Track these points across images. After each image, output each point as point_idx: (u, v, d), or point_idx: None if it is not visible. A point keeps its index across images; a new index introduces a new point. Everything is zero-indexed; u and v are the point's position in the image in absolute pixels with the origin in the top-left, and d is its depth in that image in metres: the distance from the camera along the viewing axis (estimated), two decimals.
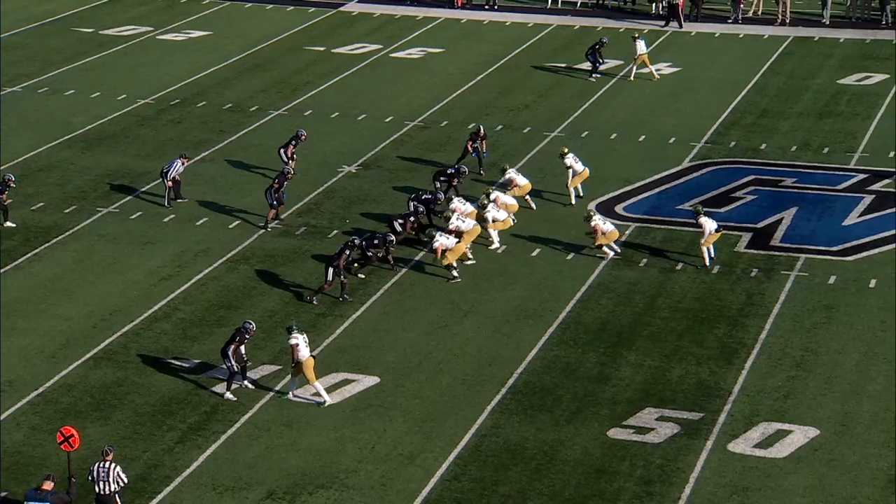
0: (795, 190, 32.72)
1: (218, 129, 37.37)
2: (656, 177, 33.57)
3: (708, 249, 28.21)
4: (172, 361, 24.76)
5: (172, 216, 31.48)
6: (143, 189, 33.10)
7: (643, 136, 36.56)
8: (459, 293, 27.33)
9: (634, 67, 40.90)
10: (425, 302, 27.10)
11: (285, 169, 30.51)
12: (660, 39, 45.67)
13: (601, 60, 40.82)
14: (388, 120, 38.04)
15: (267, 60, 43.71)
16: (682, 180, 33.40)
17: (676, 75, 41.90)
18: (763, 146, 35.78)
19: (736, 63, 43.00)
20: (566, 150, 31.57)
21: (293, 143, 32.78)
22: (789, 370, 24.33)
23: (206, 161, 35.10)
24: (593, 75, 40.78)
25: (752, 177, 33.51)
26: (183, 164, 32.09)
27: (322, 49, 45.03)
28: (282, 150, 32.71)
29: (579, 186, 31.72)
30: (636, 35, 41.43)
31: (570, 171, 31.46)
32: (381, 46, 45.23)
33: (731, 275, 28.16)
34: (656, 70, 41.38)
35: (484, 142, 33.47)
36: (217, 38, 46.26)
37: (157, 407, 23.24)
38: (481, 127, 33.84)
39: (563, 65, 42.36)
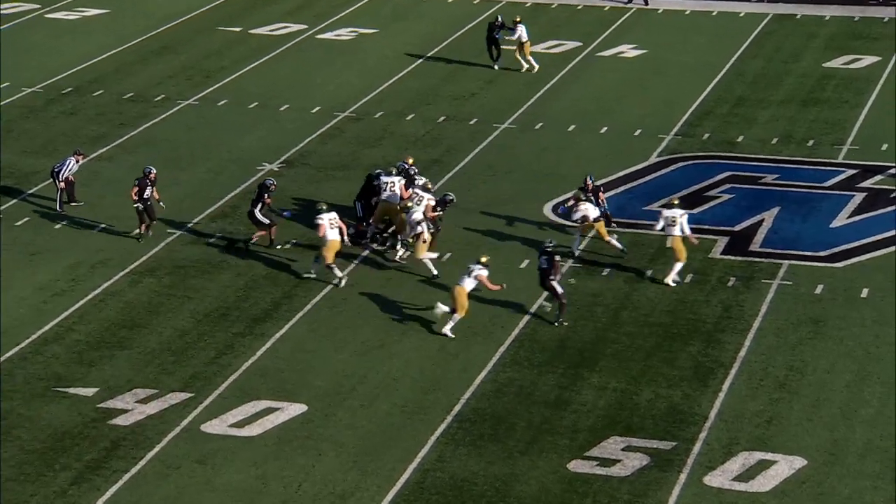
0: (777, 188, 33.03)
1: (118, 122, 37.11)
2: (620, 174, 33.76)
3: (615, 240, 28.35)
4: (66, 390, 24.50)
5: (65, 222, 31.19)
6: (31, 191, 32.78)
7: (605, 128, 36.76)
8: (398, 308, 27.31)
9: (526, 55, 39.91)
10: (359, 318, 27.04)
11: (267, 181, 29.72)
12: (623, 17, 45.98)
13: (497, 46, 39.96)
14: (314, 111, 37.97)
15: (174, 42, 43.46)
16: (649, 178, 33.61)
17: (642, 59, 42.19)
18: (740, 139, 36.10)
19: (709, 44, 43.38)
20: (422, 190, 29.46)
21: (136, 182, 29.47)
22: (772, 392, 24.54)
23: (105, 159, 34.83)
24: (496, 65, 40.15)
25: (728, 173, 33.79)
26: (77, 162, 31.86)
27: (238, 30, 44.87)
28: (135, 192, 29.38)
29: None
30: (517, 19, 40.46)
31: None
32: (306, 26, 45.15)
33: (706, 284, 28.36)
34: (609, 54, 41.63)
35: (601, 194, 30.02)
36: (115, 16, 45.94)
37: (47, 443, 22.99)
38: (590, 178, 29.94)
39: (514, 48, 42.48)
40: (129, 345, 26.00)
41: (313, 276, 28.18)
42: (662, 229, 28.19)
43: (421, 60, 41.80)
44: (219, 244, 29.93)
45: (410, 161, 30.60)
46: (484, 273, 26.22)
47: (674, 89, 39.48)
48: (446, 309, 26.06)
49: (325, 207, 28.33)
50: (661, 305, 27.47)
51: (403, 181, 29.54)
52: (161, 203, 29.99)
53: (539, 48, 42.32)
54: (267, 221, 29.33)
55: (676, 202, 28.55)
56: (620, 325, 26.75)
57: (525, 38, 40.21)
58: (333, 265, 27.94)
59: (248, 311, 27.28)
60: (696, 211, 31.54)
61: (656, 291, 28.01)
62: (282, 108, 38.11)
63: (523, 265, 29.08)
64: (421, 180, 29.95)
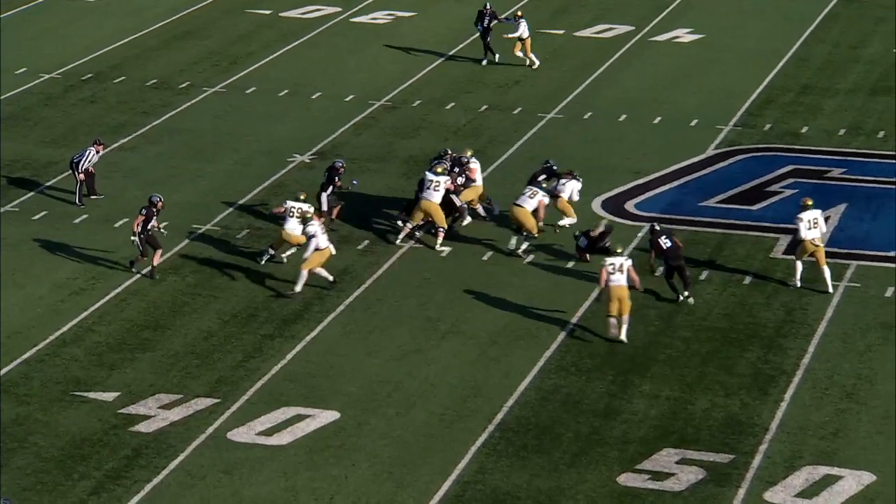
0: (844, 183, 32.89)
1: (140, 111, 37.30)
2: (675, 167, 33.70)
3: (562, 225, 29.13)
4: (85, 395, 24.66)
5: (85, 216, 31.38)
6: (49, 183, 33.00)
7: (658, 118, 36.68)
8: (436, 310, 27.34)
9: (525, 52, 39.37)
10: (395, 321, 27.08)
11: (337, 163, 30.04)
12: (677, 0, 45.84)
13: (486, 32, 39.44)
14: (348, 99, 38.05)
15: (199, 26, 43.64)
16: (706, 171, 33.53)
17: (698, 44, 42.07)
18: (804, 130, 35.95)
19: (771, 29, 43.21)
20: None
21: (142, 212, 28.03)
22: (838, 402, 24.42)
23: (126, 149, 35.03)
24: (485, 60, 39.72)
25: (791, 167, 33.68)
26: (97, 152, 32.05)
27: (268, 12, 45.02)
28: (138, 226, 27.94)
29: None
30: (519, 13, 39.88)
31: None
32: (339, 9, 45.26)
33: (767, 286, 28.25)
34: (673, 38, 41.51)
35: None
36: None
37: (65, 451, 23.14)
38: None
39: (561, 31, 42.46)
40: (151, 347, 26.13)
41: (269, 259, 28.53)
42: (801, 234, 27.35)
43: (461, 46, 41.78)
44: (249, 243, 30.07)
45: (469, 153, 30.58)
46: (630, 263, 26.19)
47: (733, 77, 39.34)
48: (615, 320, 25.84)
49: (301, 197, 28.53)
50: (717, 308, 27.38)
51: (450, 181, 29.47)
52: (163, 231, 28.71)
53: (588, 32, 42.26)
54: (325, 208, 29.45)
55: (810, 203, 27.84)
56: (674, 329, 26.68)
57: (526, 34, 39.50)
58: (269, 250, 28.40)
59: (278, 311, 27.37)
60: (756, 207, 31.43)
61: (713, 293, 27.92)
62: (313, 96, 38.21)
63: (570, 265, 29.03)
64: (467, 160, 30.14)
